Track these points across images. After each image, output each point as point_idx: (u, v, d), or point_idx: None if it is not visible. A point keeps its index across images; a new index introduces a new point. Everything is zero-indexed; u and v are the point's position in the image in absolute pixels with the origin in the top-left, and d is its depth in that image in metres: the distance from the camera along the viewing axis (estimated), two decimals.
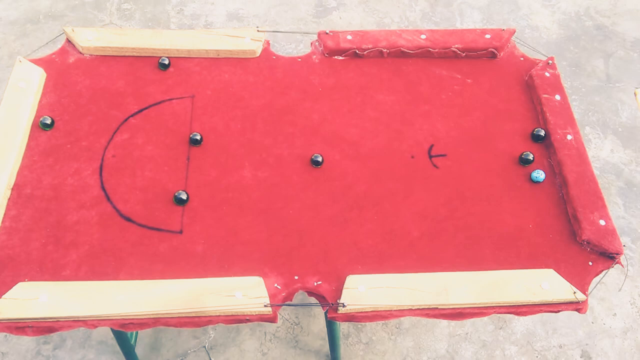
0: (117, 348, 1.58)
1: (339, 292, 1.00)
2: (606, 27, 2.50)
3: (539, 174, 1.13)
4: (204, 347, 1.63)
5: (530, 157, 1.14)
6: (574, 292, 0.98)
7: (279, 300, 0.99)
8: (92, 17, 2.54)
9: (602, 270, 1.04)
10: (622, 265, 1.03)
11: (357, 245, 1.05)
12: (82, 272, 1.00)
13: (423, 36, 1.32)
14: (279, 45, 2.47)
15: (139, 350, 1.56)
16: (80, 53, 1.28)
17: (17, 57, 1.22)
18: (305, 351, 1.69)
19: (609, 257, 1.03)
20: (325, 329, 1.65)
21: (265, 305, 0.96)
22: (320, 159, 1.15)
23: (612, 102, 2.23)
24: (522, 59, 1.34)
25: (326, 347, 1.69)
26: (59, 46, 2.39)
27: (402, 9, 2.58)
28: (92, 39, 1.28)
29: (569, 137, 1.17)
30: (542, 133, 1.18)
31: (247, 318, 0.97)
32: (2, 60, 2.37)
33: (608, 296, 1.67)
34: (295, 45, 2.46)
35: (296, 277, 1.01)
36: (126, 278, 0.99)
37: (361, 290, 0.97)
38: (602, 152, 2.04)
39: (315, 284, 1.01)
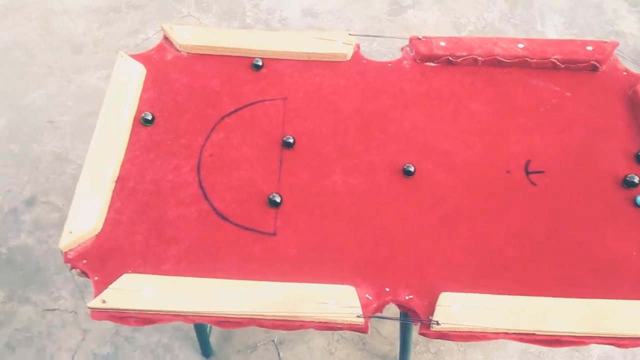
0: (191, 334, 1.63)
1: (430, 308, 0.99)
2: None
3: None
4: (273, 341, 1.66)
5: (636, 180, 1.09)
6: None
7: (370, 311, 0.99)
8: (171, 8, 2.61)
9: None
10: None
11: (449, 261, 1.04)
12: (181, 267, 1.03)
13: (520, 45, 1.28)
14: None
15: (212, 339, 1.61)
16: (178, 50, 1.32)
17: (119, 52, 1.27)
18: (372, 354, 1.70)
19: None
20: (394, 334, 1.65)
21: (358, 316, 0.96)
22: (412, 169, 1.13)
23: None
24: (625, 73, 1.28)
25: (394, 352, 1.68)
26: (141, 37, 2.46)
27: (480, 9, 2.51)
28: (189, 37, 1.31)
29: None
30: None
31: (339, 326, 0.98)
32: (86, 47, 2.48)
33: None
34: (369, 43, 2.44)
35: (387, 289, 1.01)
36: (222, 276, 1.02)
37: (455, 309, 0.96)
38: None
39: (407, 297, 1.00)
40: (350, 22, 2.55)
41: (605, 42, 1.28)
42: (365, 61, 1.31)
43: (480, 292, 1.00)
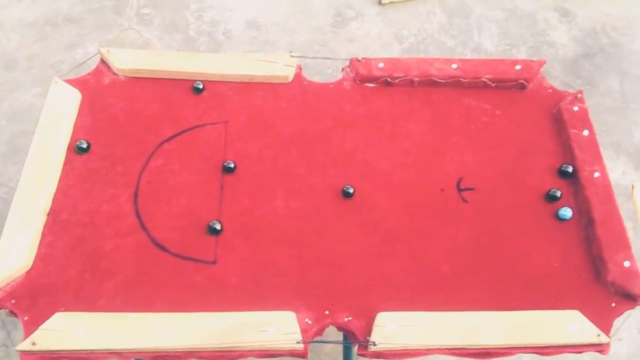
0: None
1: (368, 329, 1.01)
2: (622, 45, 2.51)
3: (566, 212, 1.14)
4: None
5: (558, 194, 1.16)
6: (598, 335, 1.00)
7: (310, 335, 1.01)
8: (112, 20, 2.54)
9: (624, 311, 1.06)
10: None
11: (388, 281, 1.07)
12: (117, 302, 1.01)
13: (454, 65, 1.33)
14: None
15: None
16: (115, 74, 1.29)
17: (53, 77, 1.23)
18: None
19: (632, 298, 1.05)
20: (337, 348, 1.68)
21: (297, 342, 0.97)
22: (351, 191, 1.16)
23: (626, 124, 2.25)
24: (550, 90, 1.35)
25: None
26: (79, 52, 2.38)
27: (420, 20, 2.58)
28: (127, 60, 1.29)
29: (596, 174, 1.18)
30: (570, 169, 1.20)
31: (279, 353, 0.99)
32: (20, 63, 2.38)
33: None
34: (314, 55, 2.46)
35: (327, 312, 1.03)
36: (161, 309, 1.01)
37: (391, 329, 0.99)
38: (613, 174, 2.05)
39: (346, 319, 1.02)
40: (295, 34, 2.56)
41: (533, 60, 1.35)
42: (306, 82, 1.33)
43: (417, 310, 1.03)
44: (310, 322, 1.01)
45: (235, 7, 2.63)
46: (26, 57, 2.37)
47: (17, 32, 2.44)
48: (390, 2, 2.60)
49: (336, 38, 2.54)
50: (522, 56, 2.47)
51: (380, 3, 2.62)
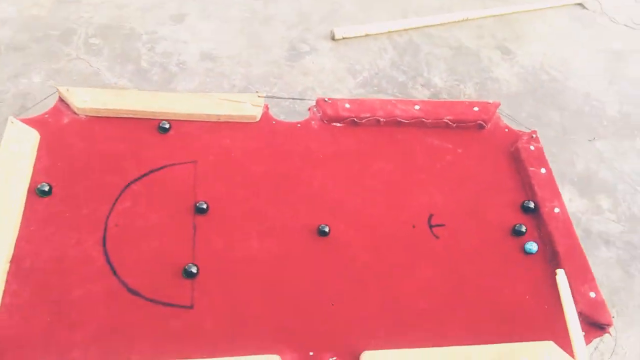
0: None
1: None
2: (559, 82, 2.71)
3: (532, 246, 1.21)
4: None
5: (523, 229, 1.22)
6: None
7: None
8: (58, 50, 2.45)
9: (593, 339, 1.12)
10: (610, 335, 1.12)
11: (367, 320, 1.08)
12: (91, 353, 0.96)
13: (417, 107, 1.39)
14: (252, 87, 2.49)
15: None
16: (75, 113, 1.24)
17: (9, 117, 1.17)
18: None
19: (600, 327, 1.11)
20: None
21: None
22: (327, 229, 1.17)
23: (568, 153, 2.41)
24: (506, 130, 1.44)
25: None
26: (23, 82, 2.27)
27: (372, 56, 2.67)
28: (88, 99, 1.24)
29: (557, 210, 1.26)
30: (532, 205, 1.27)
31: None
32: None
33: None
34: (270, 88, 2.48)
35: (311, 354, 1.03)
36: (138, 359, 0.96)
37: None
38: None
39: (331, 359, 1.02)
40: (250, 66, 2.57)
41: (489, 102, 1.43)
42: (274, 122, 1.34)
43: (398, 347, 1.04)
44: None
45: (189, 39, 2.61)
46: None
47: None
48: (343, 38, 2.68)
49: (291, 72, 2.58)
50: (469, 91, 2.61)
51: (333, 38, 2.69)
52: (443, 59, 2.71)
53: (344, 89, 2.55)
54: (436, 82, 2.63)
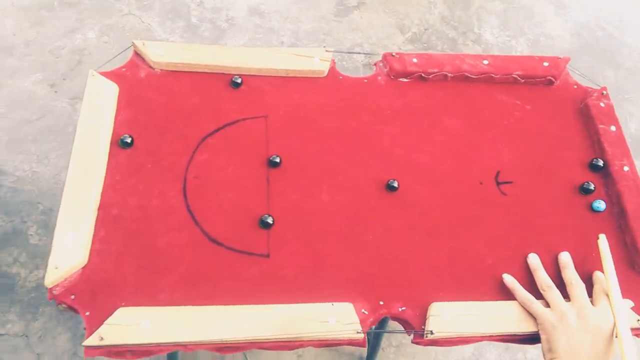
0: None
1: (422, 318, 1.05)
2: (615, 38, 2.61)
3: (600, 204, 1.20)
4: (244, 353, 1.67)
5: (592, 187, 1.22)
6: (638, 320, 1.06)
7: (367, 325, 1.04)
8: (110, 5, 2.48)
9: None
10: None
11: (436, 272, 1.11)
12: (178, 296, 1.02)
13: (485, 62, 1.37)
14: (301, 43, 2.48)
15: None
16: (151, 67, 1.27)
17: (90, 70, 1.20)
18: (340, 353, 1.76)
19: None
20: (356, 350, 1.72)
21: (357, 332, 1.00)
22: (396, 185, 1.19)
23: (622, 114, 2.35)
24: (575, 86, 1.41)
25: (359, 350, 1.76)
26: (79, 37, 2.32)
27: (422, 11, 2.61)
28: (163, 54, 1.27)
29: (626, 168, 1.24)
30: (601, 163, 1.26)
31: (338, 342, 1.02)
32: (18, 49, 2.31)
33: None
34: (319, 45, 2.47)
35: (381, 303, 1.06)
36: (221, 302, 1.02)
37: (446, 318, 1.03)
38: None
39: (400, 309, 1.06)
40: (298, 22, 2.55)
41: (559, 58, 1.39)
42: (341, 77, 1.34)
43: (466, 300, 1.07)
44: (366, 312, 1.04)
45: None
46: (23, 42, 2.28)
47: (12, 16, 2.34)
48: None
49: (339, 27, 2.55)
50: (521, 48, 2.54)
51: None
52: (495, 13, 2.63)
53: (393, 46, 2.51)
54: (487, 38, 2.57)
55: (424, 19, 2.59)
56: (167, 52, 1.27)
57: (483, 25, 2.59)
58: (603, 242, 1.13)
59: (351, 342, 1.03)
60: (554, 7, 2.68)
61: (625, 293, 1.09)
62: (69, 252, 1.01)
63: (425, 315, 1.06)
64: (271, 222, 1.11)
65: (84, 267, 1.02)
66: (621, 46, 2.57)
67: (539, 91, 1.38)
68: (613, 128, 1.30)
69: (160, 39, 2.38)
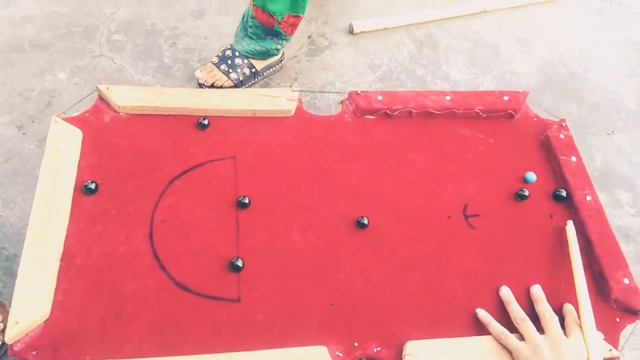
0: None
1: (397, 357, 1.04)
2: (578, 75, 2.71)
3: (531, 176, 1.30)
4: None
5: (526, 193, 1.28)
6: (610, 350, 1.07)
7: None
8: (81, 47, 2.48)
9: (626, 325, 1.14)
10: None
11: (409, 309, 1.10)
12: (145, 347, 0.99)
13: (448, 97, 1.40)
14: (273, 83, 2.50)
15: None
16: (116, 111, 1.27)
17: (52, 117, 1.19)
18: None
19: (634, 313, 1.13)
20: None
21: None
22: (366, 221, 1.19)
23: (587, 147, 2.41)
24: (535, 119, 1.45)
25: None
26: (49, 79, 2.31)
27: (391, 51, 2.68)
28: (128, 97, 1.27)
29: (588, 197, 1.27)
30: (564, 194, 1.28)
31: None
32: None
33: None
34: (290, 83, 2.50)
35: (356, 344, 1.05)
36: (190, 351, 0.99)
37: (422, 357, 1.02)
38: None
39: (375, 349, 1.05)
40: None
41: (519, 92, 1.44)
42: (308, 116, 1.35)
43: (439, 336, 1.07)
44: (341, 354, 1.03)
45: (209, 34, 2.63)
46: None
47: None
48: (362, 32, 2.69)
49: (311, 66, 2.59)
50: (487, 84, 2.61)
51: (351, 32, 2.70)
52: (462, 52, 2.71)
53: (364, 84, 2.56)
54: (455, 76, 2.64)
55: (393, 58, 2.66)
56: (132, 95, 1.27)
57: (450, 63, 2.67)
58: (570, 228, 1.18)
59: None
60: (519, 45, 2.78)
61: (598, 322, 1.10)
62: (30, 305, 0.97)
63: (401, 354, 1.04)
64: (241, 265, 1.10)
65: (46, 321, 0.98)
66: (584, 82, 2.66)
67: (500, 124, 1.41)
68: (574, 158, 1.34)
69: (132, 80, 2.38)
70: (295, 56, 2.60)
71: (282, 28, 2.18)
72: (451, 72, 2.62)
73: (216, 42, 2.58)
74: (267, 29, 2.19)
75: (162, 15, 2.65)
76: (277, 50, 2.35)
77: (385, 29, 2.74)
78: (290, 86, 1.35)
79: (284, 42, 2.31)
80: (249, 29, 2.24)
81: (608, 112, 2.57)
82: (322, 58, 2.61)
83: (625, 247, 2.04)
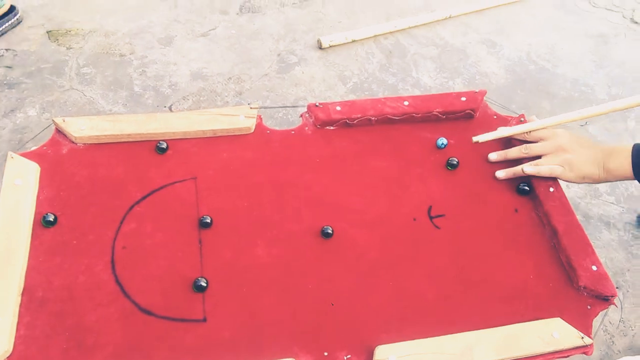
0: None
1: None
2: (547, 70, 2.74)
3: (442, 140, 1.35)
4: None
5: (455, 161, 1.33)
6: (582, 337, 1.06)
7: None
8: (51, 83, 2.50)
9: (599, 312, 1.13)
10: (616, 306, 1.13)
11: (378, 313, 1.10)
12: None
13: (406, 102, 1.42)
14: (245, 102, 2.52)
15: None
16: (73, 143, 1.27)
17: (8, 153, 1.19)
18: None
19: (604, 299, 1.13)
20: None
21: None
22: (330, 231, 1.19)
23: None
24: (495, 117, 1.46)
25: None
26: (20, 117, 2.31)
27: (361, 62, 2.71)
28: (85, 128, 1.27)
29: (552, 189, 1.28)
30: (527, 187, 1.29)
31: None
32: None
33: None
34: (263, 101, 2.52)
35: (326, 354, 1.04)
36: None
37: None
38: None
39: (346, 357, 1.03)
40: (242, 82, 2.61)
41: (476, 92, 1.45)
42: (269, 131, 1.36)
43: (410, 339, 1.06)
44: None
45: (178, 60, 2.65)
46: None
47: None
48: (330, 46, 2.71)
49: (282, 83, 2.61)
50: (458, 87, 2.64)
51: (320, 47, 2.72)
52: (430, 58, 2.74)
53: (335, 96, 2.58)
54: (425, 81, 2.66)
55: (363, 68, 2.68)
56: (88, 125, 1.27)
57: (420, 69, 2.70)
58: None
59: None
60: (486, 47, 2.81)
61: (564, 309, 1.10)
62: None
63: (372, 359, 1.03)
64: (205, 285, 1.09)
65: (9, 357, 0.97)
66: (553, 77, 2.69)
67: (460, 125, 1.42)
68: None
69: (103, 111, 2.39)
70: (266, 74, 2.62)
71: None
72: (422, 78, 2.65)
73: (185, 67, 2.60)
74: None
75: (131, 46, 2.67)
76: None
77: (354, 41, 2.77)
78: (249, 104, 1.35)
79: None
80: None
81: (580, 104, 2.59)
82: (293, 74, 2.63)
83: (607, 235, 2.04)
